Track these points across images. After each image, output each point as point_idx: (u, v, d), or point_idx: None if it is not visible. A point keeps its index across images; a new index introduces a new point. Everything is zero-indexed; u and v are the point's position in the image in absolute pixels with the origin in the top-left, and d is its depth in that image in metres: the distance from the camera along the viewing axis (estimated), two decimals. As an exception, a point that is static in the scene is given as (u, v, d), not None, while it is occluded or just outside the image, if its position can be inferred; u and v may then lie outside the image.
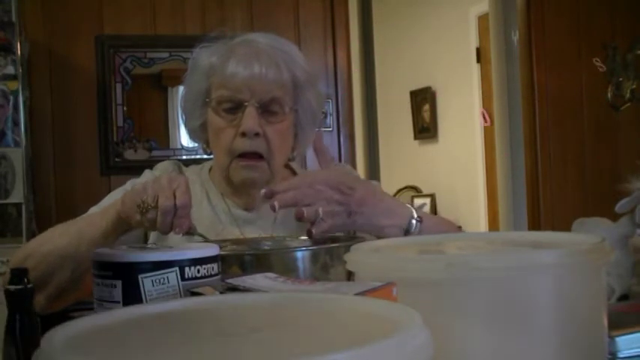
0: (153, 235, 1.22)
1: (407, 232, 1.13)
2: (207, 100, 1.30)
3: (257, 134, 1.24)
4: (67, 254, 1.11)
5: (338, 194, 1.10)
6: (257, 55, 1.26)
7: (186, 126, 1.38)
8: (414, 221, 1.13)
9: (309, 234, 1.08)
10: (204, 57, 1.31)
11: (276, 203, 1.08)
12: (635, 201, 1.05)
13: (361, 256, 0.71)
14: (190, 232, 1.06)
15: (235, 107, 1.26)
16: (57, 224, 1.19)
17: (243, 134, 1.25)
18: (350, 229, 1.17)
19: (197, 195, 1.33)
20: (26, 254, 1.14)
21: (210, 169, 1.40)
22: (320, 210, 1.08)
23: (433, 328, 0.43)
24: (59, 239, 1.14)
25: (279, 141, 1.28)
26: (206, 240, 1.11)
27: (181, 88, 1.41)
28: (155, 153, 2.99)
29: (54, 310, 1.14)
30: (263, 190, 1.13)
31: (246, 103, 1.25)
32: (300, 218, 1.08)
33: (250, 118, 1.24)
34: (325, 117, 3.13)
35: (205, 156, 1.41)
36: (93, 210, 1.26)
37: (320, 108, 1.40)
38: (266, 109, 1.27)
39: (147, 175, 1.35)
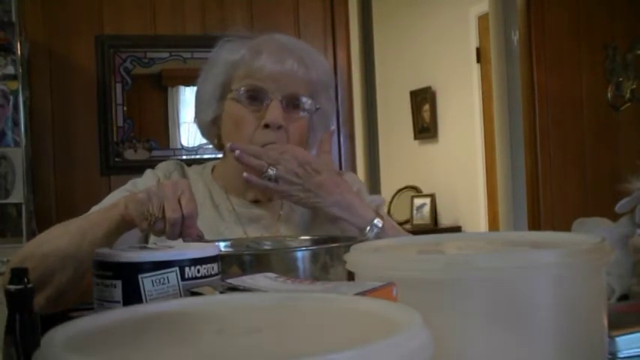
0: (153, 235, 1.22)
1: (362, 233, 1.20)
2: (225, 93, 1.31)
3: (280, 127, 1.26)
4: (68, 255, 1.10)
5: (301, 169, 1.19)
6: (289, 52, 1.29)
7: (197, 121, 1.38)
8: (372, 226, 1.20)
9: (246, 178, 1.20)
10: (229, 51, 1.32)
11: (237, 151, 1.19)
12: (635, 201, 1.05)
13: (361, 256, 0.71)
14: (198, 239, 1.05)
15: (258, 98, 1.28)
16: (56, 224, 1.19)
17: (267, 126, 1.26)
18: (304, 206, 1.25)
19: (200, 195, 1.33)
20: (24, 256, 1.12)
21: (212, 169, 1.40)
22: (271, 170, 1.18)
23: (433, 328, 0.43)
24: (58, 240, 1.13)
25: (298, 136, 1.30)
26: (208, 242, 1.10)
27: (181, 88, 1.42)
28: (155, 153, 2.99)
29: (54, 310, 1.14)
30: (229, 144, 1.24)
31: (271, 96, 1.27)
32: (241, 160, 1.19)
33: (276, 111, 1.26)
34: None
35: (206, 156, 1.41)
36: (94, 210, 1.25)
37: (332, 113, 1.43)
38: (288, 105, 1.28)
39: (148, 175, 1.35)
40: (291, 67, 1.27)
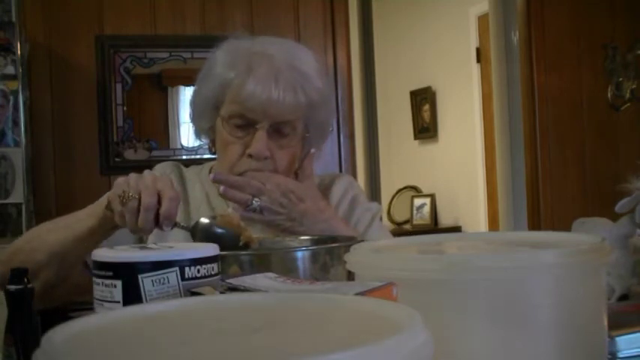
0: (152, 236, 1.22)
1: None
2: (218, 106, 1.29)
3: (265, 158, 1.25)
4: (54, 250, 1.13)
5: (284, 199, 1.20)
6: (276, 77, 1.23)
7: (193, 123, 1.38)
8: None
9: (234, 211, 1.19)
10: (223, 65, 1.28)
11: (221, 188, 1.19)
12: (635, 201, 1.05)
13: (361, 256, 0.71)
14: (175, 224, 1.05)
15: (246, 125, 1.25)
16: (46, 221, 1.20)
17: (250, 156, 1.24)
18: (291, 234, 1.22)
19: (197, 196, 1.33)
20: (14, 250, 1.16)
21: (210, 170, 1.40)
22: (255, 202, 1.19)
23: (433, 328, 0.43)
24: (46, 235, 1.16)
25: (286, 163, 1.28)
26: (185, 228, 1.09)
27: (181, 88, 1.42)
28: (155, 153, 2.99)
29: (43, 306, 1.15)
30: (212, 175, 1.24)
31: (257, 125, 1.24)
32: (226, 196, 1.20)
33: (260, 142, 1.23)
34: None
35: (206, 156, 1.41)
36: None
37: (331, 122, 1.40)
38: (277, 131, 1.26)
39: (146, 176, 1.35)
40: (277, 95, 1.22)
